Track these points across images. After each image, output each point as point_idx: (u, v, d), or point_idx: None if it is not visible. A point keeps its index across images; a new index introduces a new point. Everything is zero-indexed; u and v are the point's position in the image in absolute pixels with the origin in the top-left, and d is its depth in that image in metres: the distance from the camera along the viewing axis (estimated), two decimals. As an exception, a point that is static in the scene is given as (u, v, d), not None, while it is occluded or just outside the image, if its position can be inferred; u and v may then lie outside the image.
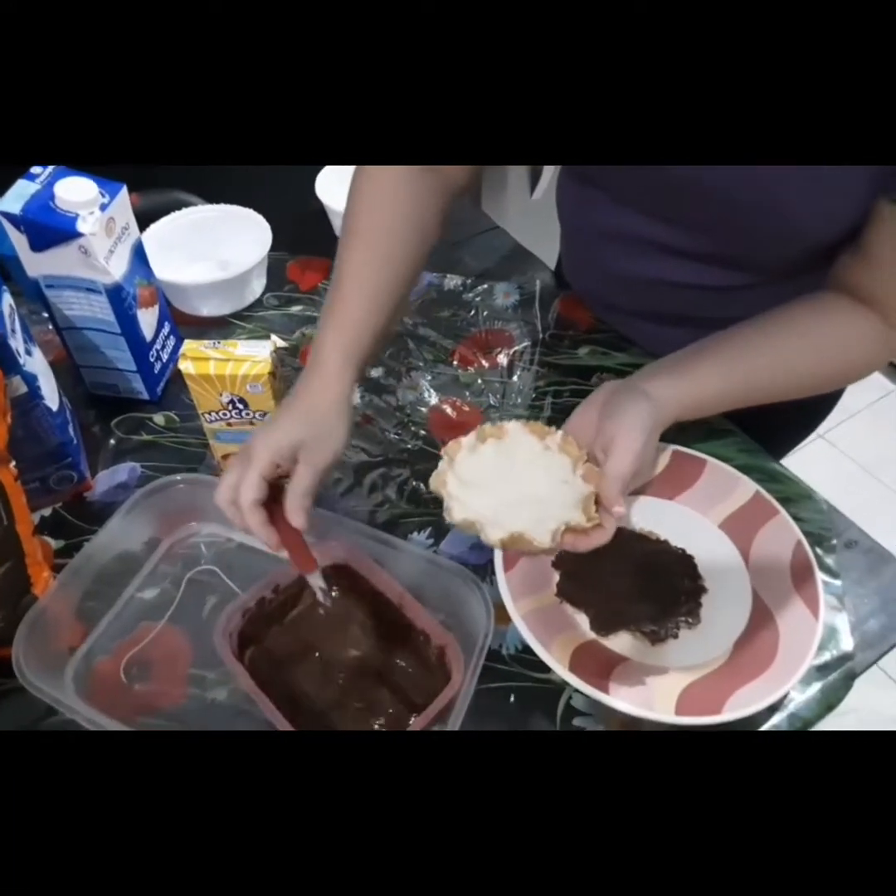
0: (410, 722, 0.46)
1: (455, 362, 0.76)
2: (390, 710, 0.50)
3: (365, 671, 0.52)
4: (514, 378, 0.75)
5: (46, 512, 0.62)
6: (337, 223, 0.87)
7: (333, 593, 0.53)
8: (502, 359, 0.76)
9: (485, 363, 0.76)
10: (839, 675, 0.55)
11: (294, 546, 0.49)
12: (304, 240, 0.85)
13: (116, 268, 0.61)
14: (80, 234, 0.57)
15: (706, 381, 0.54)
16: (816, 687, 0.54)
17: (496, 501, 0.49)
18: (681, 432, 0.67)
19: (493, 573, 0.55)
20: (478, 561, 0.60)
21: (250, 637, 0.52)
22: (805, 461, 1.02)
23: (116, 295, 0.61)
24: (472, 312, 0.81)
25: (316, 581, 0.50)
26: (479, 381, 0.74)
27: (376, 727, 0.49)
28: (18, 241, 0.59)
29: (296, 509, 0.47)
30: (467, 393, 0.73)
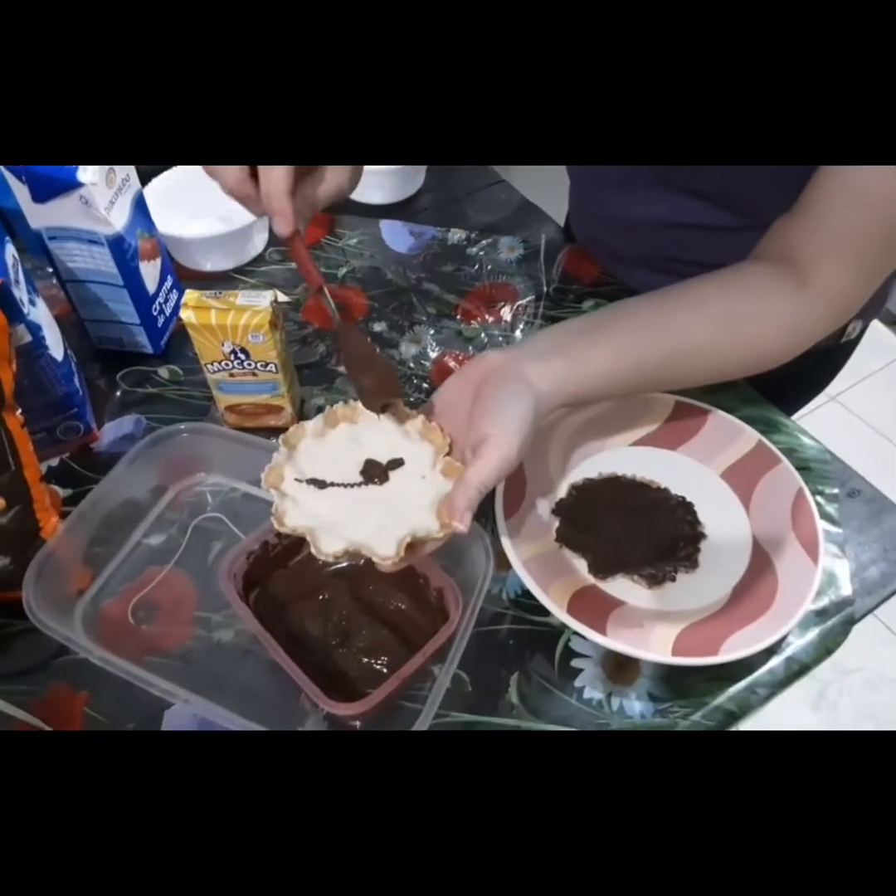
0: (409, 660, 0.47)
1: (458, 317, 0.76)
2: (391, 650, 0.51)
3: (366, 613, 0.53)
4: (518, 332, 0.75)
5: (54, 462, 0.63)
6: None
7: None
8: (506, 313, 0.76)
9: (488, 318, 0.76)
10: (838, 621, 0.55)
11: (305, 254, 0.46)
12: (307, 195, 0.84)
13: (117, 219, 0.61)
14: (80, 184, 0.57)
15: (596, 368, 0.49)
16: (815, 631, 0.54)
17: (341, 501, 0.43)
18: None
19: (494, 520, 0.55)
20: (479, 509, 0.60)
21: (254, 579, 0.53)
22: (817, 424, 1.02)
23: (118, 246, 0.62)
24: (476, 267, 0.80)
25: (326, 299, 0.47)
26: (483, 335, 0.74)
27: (378, 666, 0.50)
28: (20, 192, 0.59)
29: (304, 215, 0.45)
30: (470, 347, 0.73)
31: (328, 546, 0.41)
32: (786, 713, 1.25)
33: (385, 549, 0.41)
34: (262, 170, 0.44)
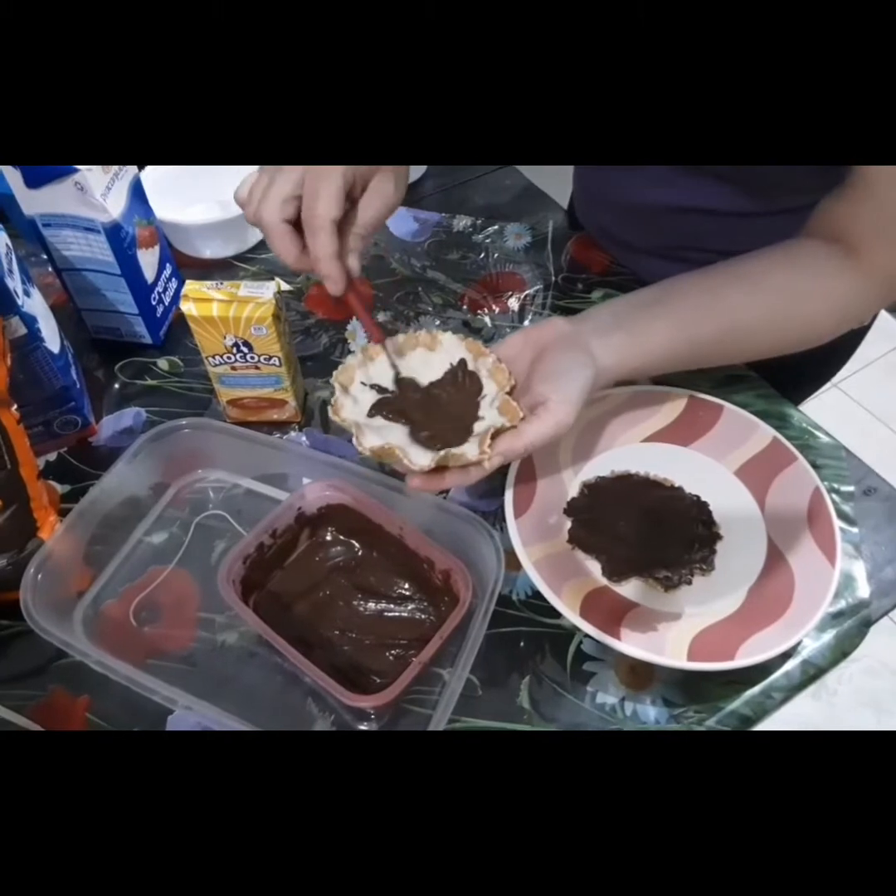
0: (419, 653, 0.46)
1: (464, 306, 0.74)
2: (401, 639, 0.50)
3: (371, 604, 0.52)
4: (526, 323, 0.73)
5: (51, 457, 0.61)
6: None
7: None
8: (513, 303, 0.74)
9: (495, 307, 0.74)
10: (854, 623, 0.54)
11: (361, 308, 0.47)
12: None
13: (114, 206, 0.59)
14: (75, 169, 0.55)
15: (653, 345, 0.51)
16: (831, 634, 0.53)
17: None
18: (696, 376, 0.66)
19: (504, 520, 0.54)
20: (488, 508, 0.59)
21: (253, 583, 0.51)
22: (818, 410, 1.01)
23: (115, 234, 0.59)
24: (482, 255, 0.78)
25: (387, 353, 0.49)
26: (490, 325, 0.72)
27: (391, 657, 0.50)
28: (13, 177, 0.57)
29: (356, 250, 0.45)
30: (477, 338, 0.71)
31: (369, 441, 0.46)
32: (785, 701, 1.25)
33: (420, 459, 0.45)
34: (308, 236, 0.44)
